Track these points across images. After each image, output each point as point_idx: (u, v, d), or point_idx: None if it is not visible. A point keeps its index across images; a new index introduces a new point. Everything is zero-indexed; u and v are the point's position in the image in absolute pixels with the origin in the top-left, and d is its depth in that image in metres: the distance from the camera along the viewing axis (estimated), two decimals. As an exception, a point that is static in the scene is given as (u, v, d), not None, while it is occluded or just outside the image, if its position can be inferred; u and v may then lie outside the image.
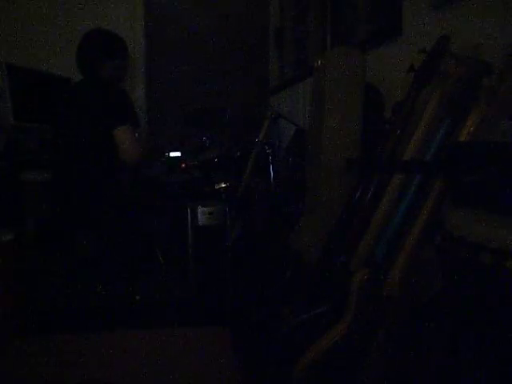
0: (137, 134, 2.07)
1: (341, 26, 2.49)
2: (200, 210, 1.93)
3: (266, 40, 3.69)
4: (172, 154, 2.61)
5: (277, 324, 1.47)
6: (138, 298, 1.90)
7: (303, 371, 1.14)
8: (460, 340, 0.97)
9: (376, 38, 2.02)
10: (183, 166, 2.44)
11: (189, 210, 1.94)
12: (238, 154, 2.49)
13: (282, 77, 3.52)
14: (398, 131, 1.39)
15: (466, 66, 1.19)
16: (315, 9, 2.84)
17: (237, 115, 3.34)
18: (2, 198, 1.99)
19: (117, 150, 1.83)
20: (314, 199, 1.76)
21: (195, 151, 2.65)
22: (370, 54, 1.92)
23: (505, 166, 0.88)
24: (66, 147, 1.94)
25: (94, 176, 1.89)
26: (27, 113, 2.34)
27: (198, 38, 3.51)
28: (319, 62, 1.75)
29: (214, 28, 3.52)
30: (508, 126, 1.05)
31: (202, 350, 1.46)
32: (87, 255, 1.94)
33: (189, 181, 2.32)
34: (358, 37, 2.26)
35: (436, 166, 1.20)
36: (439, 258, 1.10)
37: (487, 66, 1.17)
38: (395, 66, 1.79)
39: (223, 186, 2.23)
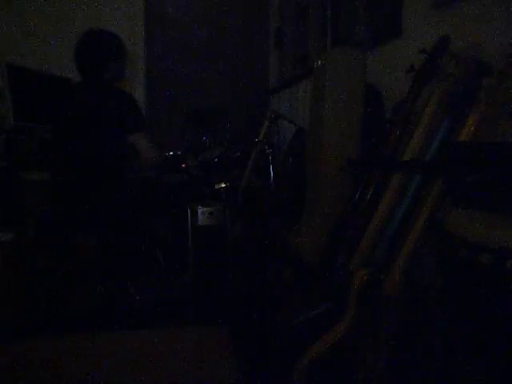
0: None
1: (341, 25, 2.48)
2: (200, 210, 1.93)
3: (266, 40, 3.69)
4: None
5: (277, 324, 1.47)
6: (137, 298, 1.90)
7: (303, 371, 1.14)
8: (460, 340, 0.97)
9: (376, 38, 2.02)
10: (183, 165, 2.44)
11: (189, 210, 1.94)
12: (238, 154, 2.49)
13: (281, 77, 3.51)
14: (398, 131, 1.40)
15: (465, 66, 1.19)
16: (315, 9, 2.84)
17: (237, 115, 3.34)
18: (2, 198, 1.99)
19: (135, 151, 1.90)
20: (314, 199, 1.76)
21: (195, 151, 2.65)
22: (369, 54, 1.92)
23: (505, 166, 0.88)
24: (67, 148, 1.94)
25: (94, 176, 1.89)
26: (27, 113, 2.34)
27: (197, 37, 3.51)
28: (319, 62, 1.75)
29: (213, 28, 3.52)
30: (508, 126, 1.05)
31: (202, 350, 1.46)
32: (87, 255, 1.94)
33: (189, 181, 2.32)
34: (357, 37, 2.26)
35: (436, 165, 1.20)
36: (439, 258, 1.10)
37: (487, 66, 1.17)
38: (395, 66, 1.79)
39: (223, 186, 2.22)
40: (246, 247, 2.21)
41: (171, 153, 2.56)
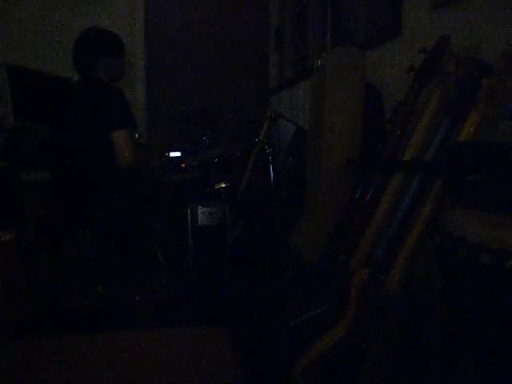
0: (137, 135, 2.06)
1: (341, 26, 2.49)
2: (200, 210, 1.93)
3: (266, 40, 3.69)
4: (172, 154, 2.61)
5: (277, 324, 1.47)
6: (137, 298, 1.90)
7: (303, 371, 1.14)
8: (460, 340, 0.97)
9: (376, 37, 2.02)
10: (183, 165, 2.44)
11: (189, 210, 1.94)
12: (238, 154, 2.49)
13: (281, 77, 3.51)
14: (398, 131, 1.40)
15: (465, 66, 1.19)
16: (315, 9, 2.84)
17: (237, 115, 3.34)
18: (2, 198, 1.99)
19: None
20: (314, 199, 1.76)
21: (195, 151, 2.65)
22: (370, 54, 1.92)
23: (505, 166, 0.88)
24: (65, 147, 1.94)
25: (93, 176, 1.89)
26: (27, 113, 2.33)
27: (197, 37, 3.51)
28: (319, 62, 1.75)
29: (214, 28, 3.52)
30: (508, 125, 1.05)
31: (202, 349, 1.46)
32: (87, 255, 1.94)
33: (189, 181, 2.32)
34: (357, 37, 2.26)
35: (436, 166, 1.20)
36: (439, 258, 1.10)
37: (487, 66, 1.17)
38: (395, 66, 1.79)
39: (223, 185, 2.22)
40: (246, 247, 2.21)
41: (171, 153, 2.56)
